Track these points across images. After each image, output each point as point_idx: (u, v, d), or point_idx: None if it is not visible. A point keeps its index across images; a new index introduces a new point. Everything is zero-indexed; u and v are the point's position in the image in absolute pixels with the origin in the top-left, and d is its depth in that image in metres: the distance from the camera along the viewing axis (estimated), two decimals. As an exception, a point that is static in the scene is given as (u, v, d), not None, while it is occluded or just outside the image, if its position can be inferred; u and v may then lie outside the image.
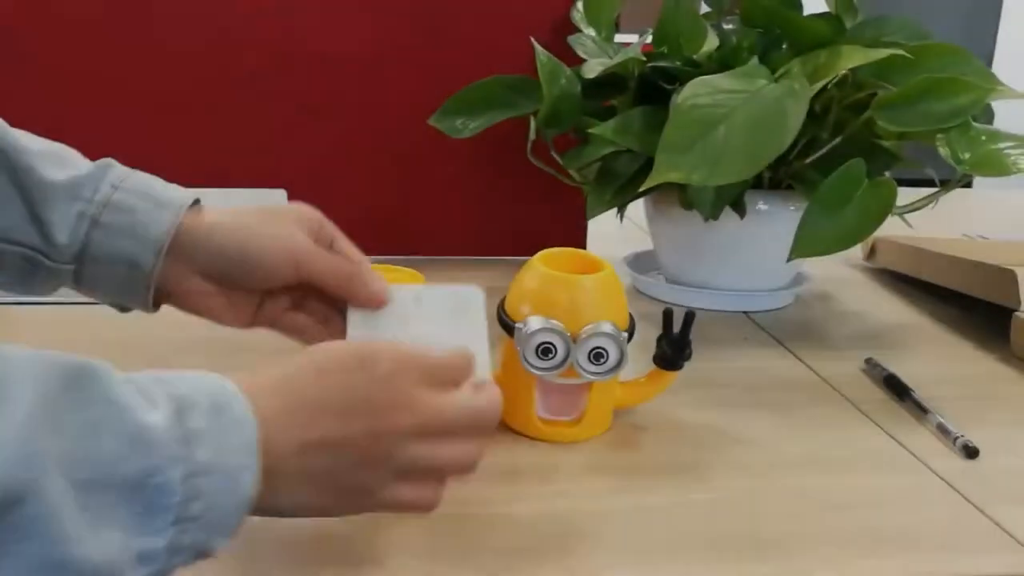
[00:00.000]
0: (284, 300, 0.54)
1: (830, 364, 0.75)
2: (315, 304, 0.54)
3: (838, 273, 1.02)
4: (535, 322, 0.55)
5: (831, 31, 0.76)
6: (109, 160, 0.51)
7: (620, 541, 0.48)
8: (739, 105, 0.64)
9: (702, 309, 0.87)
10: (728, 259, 0.87)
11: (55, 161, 0.50)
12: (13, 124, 0.52)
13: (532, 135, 0.84)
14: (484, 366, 0.46)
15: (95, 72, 0.91)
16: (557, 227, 1.04)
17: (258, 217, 0.51)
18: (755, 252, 0.86)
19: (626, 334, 0.57)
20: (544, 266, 0.58)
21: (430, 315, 0.51)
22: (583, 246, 1.08)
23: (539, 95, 0.84)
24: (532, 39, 0.88)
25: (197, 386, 0.35)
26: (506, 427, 0.59)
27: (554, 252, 0.60)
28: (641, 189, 0.64)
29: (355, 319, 0.51)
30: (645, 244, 1.01)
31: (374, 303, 0.51)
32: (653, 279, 0.94)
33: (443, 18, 0.95)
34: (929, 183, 0.82)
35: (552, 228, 1.03)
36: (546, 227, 1.03)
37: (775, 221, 0.85)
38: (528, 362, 0.56)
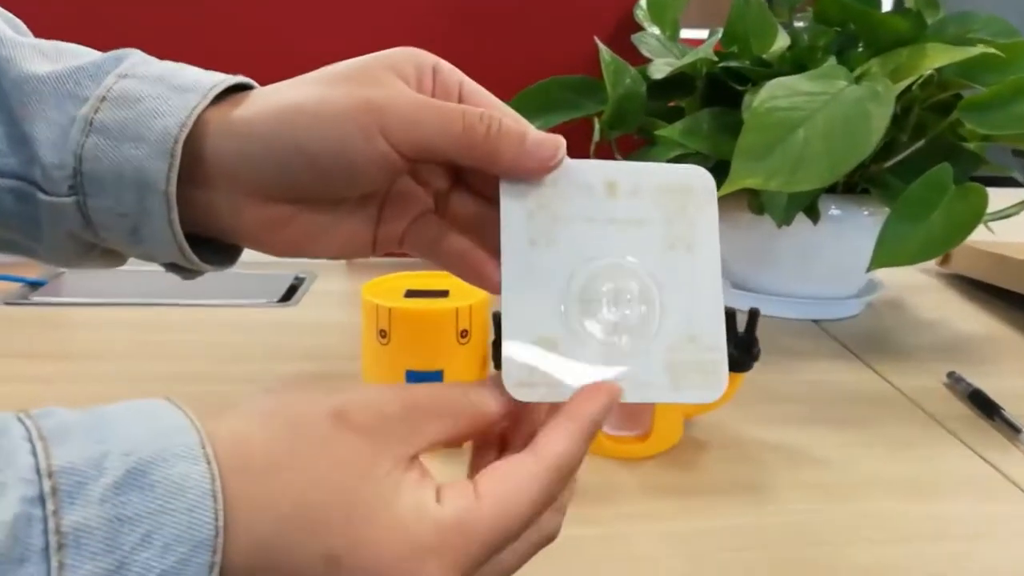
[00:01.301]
0: (412, 201, 0.36)
1: (909, 377, 0.71)
2: (466, 198, 0.36)
3: (911, 279, 0.98)
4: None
5: (912, 28, 0.72)
6: (131, 49, 0.35)
7: (682, 568, 0.46)
8: (819, 108, 0.61)
9: (769, 316, 0.84)
10: (798, 265, 0.84)
11: (47, 52, 0.34)
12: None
13: (596, 137, 0.82)
14: (718, 341, 0.33)
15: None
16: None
17: (321, 87, 0.32)
18: (827, 258, 0.83)
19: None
20: None
21: (630, 215, 0.34)
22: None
23: (603, 96, 0.81)
24: (596, 38, 0.86)
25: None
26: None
27: None
28: (719, 195, 0.61)
29: (510, 224, 0.32)
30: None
31: (531, 171, 0.32)
32: (718, 285, 0.91)
33: (503, 18, 0.94)
34: (1005, 182, 0.77)
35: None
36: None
37: (849, 227, 0.81)
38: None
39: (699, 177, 0.36)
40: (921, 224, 0.62)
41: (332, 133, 0.31)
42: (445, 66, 0.34)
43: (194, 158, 0.32)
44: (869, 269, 0.66)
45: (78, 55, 0.35)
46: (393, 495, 0.27)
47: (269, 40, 0.93)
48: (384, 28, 0.94)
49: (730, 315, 0.55)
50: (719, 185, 0.64)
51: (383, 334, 0.55)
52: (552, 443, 0.30)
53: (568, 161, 0.33)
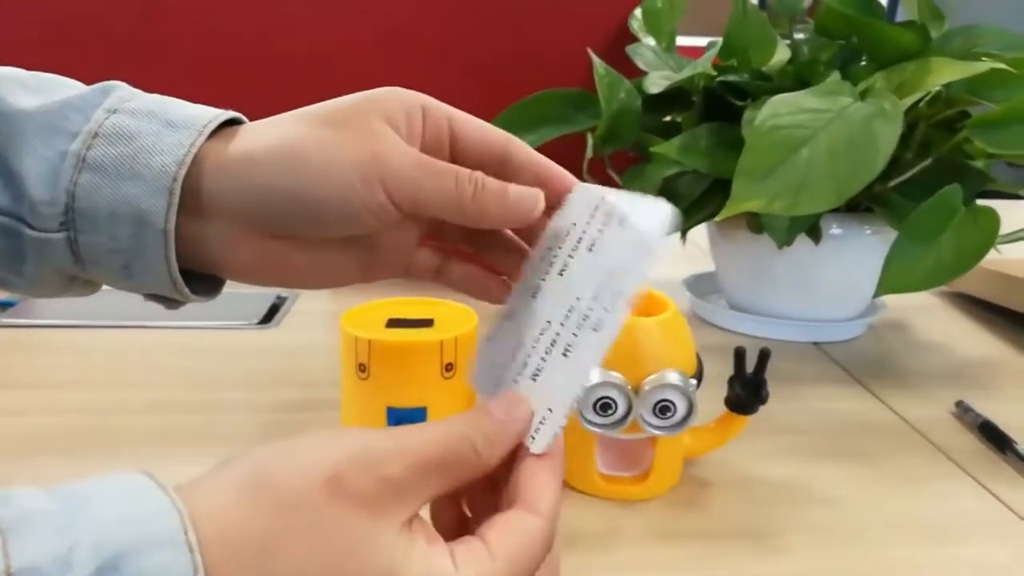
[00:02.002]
0: (406, 234, 0.36)
1: (915, 406, 0.68)
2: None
3: (914, 299, 0.95)
4: (593, 375, 0.50)
5: (917, 42, 0.69)
6: (115, 82, 0.34)
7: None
8: (824, 126, 0.58)
9: (768, 339, 0.82)
10: (798, 286, 0.81)
11: (29, 85, 0.34)
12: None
13: (589, 152, 0.79)
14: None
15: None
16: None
17: (319, 130, 0.32)
18: (828, 279, 0.80)
19: (694, 382, 0.51)
20: None
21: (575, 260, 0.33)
22: (639, 268, 1.02)
23: (597, 110, 0.79)
24: (589, 50, 0.83)
25: None
26: (565, 484, 0.54)
27: None
28: (717, 219, 0.59)
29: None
30: (705, 264, 0.95)
31: (514, 225, 0.33)
32: (715, 305, 0.88)
33: (493, 28, 0.91)
34: (999, 195, 0.75)
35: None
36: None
37: (851, 246, 0.78)
38: (585, 419, 0.50)
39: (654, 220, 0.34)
40: (930, 248, 0.60)
41: (333, 179, 0.31)
42: (432, 104, 0.35)
43: (188, 194, 0.32)
44: (876, 295, 0.63)
45: (61, 87, 0.34)
46: (405, 566, 0.25)
47: (259, 44, 0.90)
48: (376, 39, 0.91)
49: (739, 354, 0.52)
50: (720, 206, 0.62)
51: (362, 368, 0.52)
52: (546, 497, 0.30)
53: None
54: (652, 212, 0.34)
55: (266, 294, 0.88)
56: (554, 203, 0.34)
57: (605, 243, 0.33)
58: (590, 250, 0.33)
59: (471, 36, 0.91)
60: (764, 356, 0.51)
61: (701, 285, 0.93)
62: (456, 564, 0.26)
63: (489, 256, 0.37)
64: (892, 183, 0.70)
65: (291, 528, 0.24)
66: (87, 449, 0.56)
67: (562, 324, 0.32)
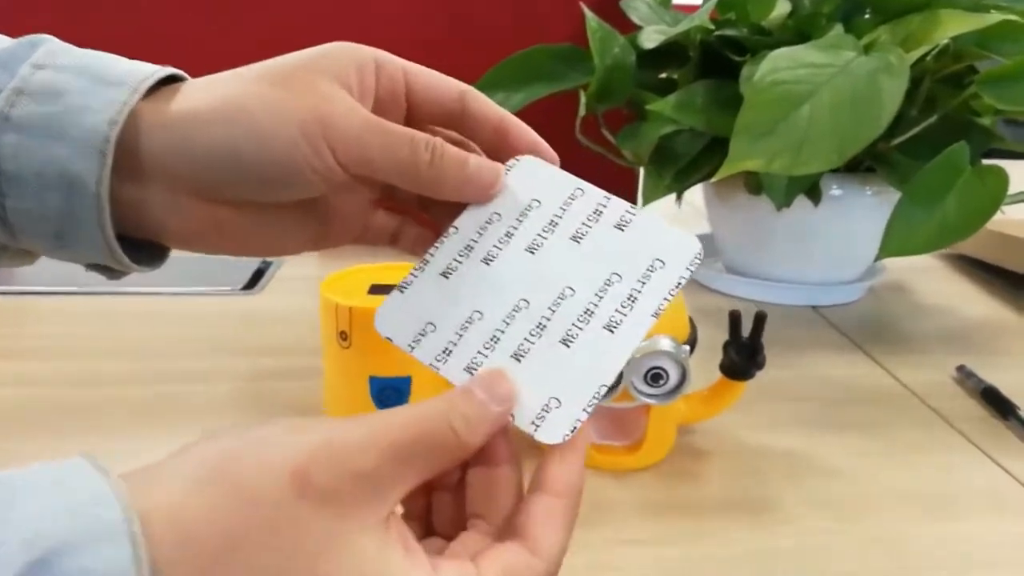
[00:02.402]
0: (358, 197, 0.34)
1: (916, 371, 0.66)
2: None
3: (915, 261, 0.92)
4: (609, 374, 0.47)
5: (925, -7, 0.66)
6: (46, 35, 0.31)
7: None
8: (826, 81, 0.56)
9: (765, 303, 0.80)
10: (796, 249, 0.79)
11: None
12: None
13: (582, 111, 0.76)
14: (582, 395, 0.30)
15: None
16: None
17: (264, 86, 0.30)
18: (827, 241, 0.78)
19: (687, 348, 0.49)
20: None
21: (585, 255, 0.32)
22: (633, 230, 1.00)
23: (589, 66, 0.76)
24: (581, 3, 0.80)
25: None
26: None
27: None
28: (714, 179, 0.56)
29: (446, 248, 0.32)
30: (701, 227, 0.93)
31: (472, 198, 0.31)
32: (712, 269, 0.86)
33: (482, -19, 0.87)
34: (1001, 155, 0.72)
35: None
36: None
37: (851, 207, 0.76)
38: (579, 386, 0.48)
39: (684, 247, 0.34)
40: (935, 209, 0.57)
41: (277, 139, 0.29)
42: (386, 59, 0.33)
43: (125, 155, 0.30)
44: (878, 258, 0.61)
45: None
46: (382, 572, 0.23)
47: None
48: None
49: (734, 317, 0.50)
50: (717, 166, 0.59)
51: (344, 336, 0.50)
52: (554, 540, 0.27)
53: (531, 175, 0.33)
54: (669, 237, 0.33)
55: (251, 260, 0.86)
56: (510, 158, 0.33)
57: (601, 240, 0.32)
58: (576, 241, 0.32)
59: (459, -10, 0.87)
60: (760, 320, 0.49)
61: (697, 248, 0.91)
62: None
63: (445, 222, 0.34)
64: (895, 141, 0.67)
65: (253, 527, 0.22)
66: (62, 425, 0.54)
67: (551, 310, 0.31)
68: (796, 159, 0.54)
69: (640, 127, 0.74)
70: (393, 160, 0.30)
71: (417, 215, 0.36)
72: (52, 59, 0.30)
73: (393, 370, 0.50)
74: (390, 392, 0.50)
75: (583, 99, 0.76)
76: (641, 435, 0.51)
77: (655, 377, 0.48)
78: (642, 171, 0.80)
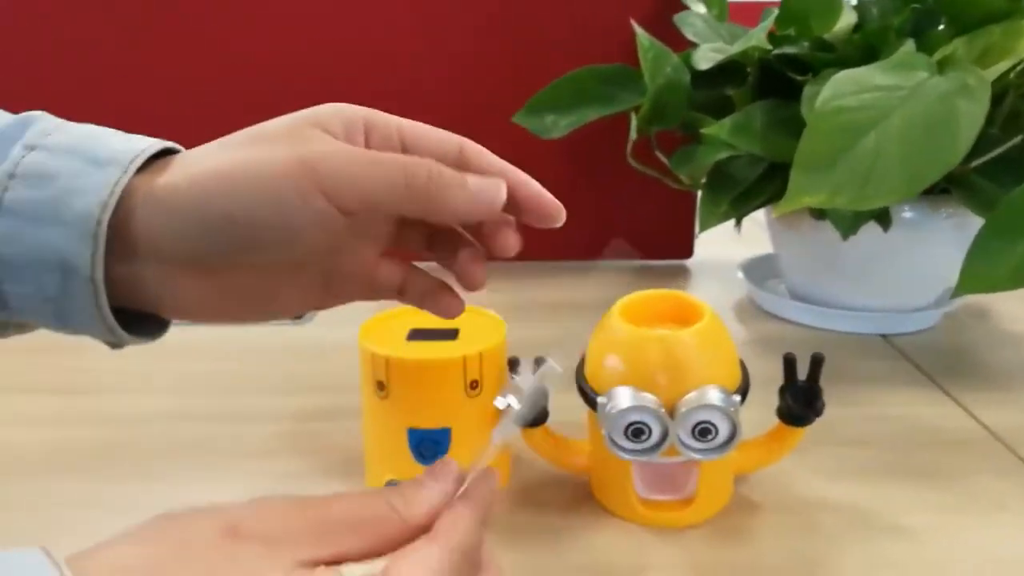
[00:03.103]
0: (362, 247, 0.34)
1: (998, 411, 0.61)
2: (417, 231, 0.35)
3: (995, 283, 0.87)
4: (622, 397, 0.45)
5: (1005, 1, 0.61)
6: (37, 113, 0.31)
7: None
8: (896, 107, 0.51)
9: (831, 331, 0.75)
10: (865, 275, 0.74)
11: None
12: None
13: (633, 134, 0.73)
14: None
15: (147, 63, 0.85)
16: (662, 234, 0.93)
17: (248, 149, 0.30)
18: (898, 267, 0.73)
19: (738, 398, 0.46)
20: (626, 320, 0.47)
21: None
22: (691, 253, 0.96)
23: (640, 87, 0.73)
24: (632, 20, 0.77)
25: None
26: (603, 508, 0.50)
27: (638, 298, 0.49)
28: (775, 214, 0.53)
29: None
30: (763, 246, 0.89)
31: (478, 216, 0.32)
32: (774, 293, 0.81)
33: (528, 1, 0.85)
34: None
35: (657, 235, 0.93)
36: (650, 234, 0.93)
37: (924, 231, 0.71)
38: (616, 444, 0.45)
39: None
40: (1020, 241, 0.52)
41: (265, 196, 0.29)
42: (379, 118, 0.32)
43: (119, 234, 0.30)
44: (955, 295, 0.56)
45: None
46: None
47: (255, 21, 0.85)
48: (391, 15, 0.85)
49: (789, 362, 0.47)
50: (777, 192, 0.56)
51: (381, 386, 0.48)
52: (450, 526, 0.29)
53: None
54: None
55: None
56: (514, 209, 0.33)
57: None
58: None
59: (506, 11, 0.85)
60: (817, 362, 0.46)
61: (759, 270, 0.87)
62: None
63: (452, 262, 0.35)
64: (975, 163, 0.62)
65: (181, 555, 0.24)
66: (101, 467, 0.54)
67: None
68: (861, 193, 0.50)
69: (695, 150, 0.70)
70: (390, 188, 0.29)
71: (423, 257, 0.36)
72: (43, 139, 0.30)
73: (432, 422, 0.48)
74: (429, 444, 0.48)
75: (634, 122, 0.73)
76: (693, 489, 0.48)
77: (703, 432, 0.45)
78: (699, 193, 0.77)
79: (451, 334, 0.50)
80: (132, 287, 0.31)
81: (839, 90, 0.52)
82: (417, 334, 0.50)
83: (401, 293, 0.37)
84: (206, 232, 0.29)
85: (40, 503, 0.50)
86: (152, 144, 0.31)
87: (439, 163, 0.30)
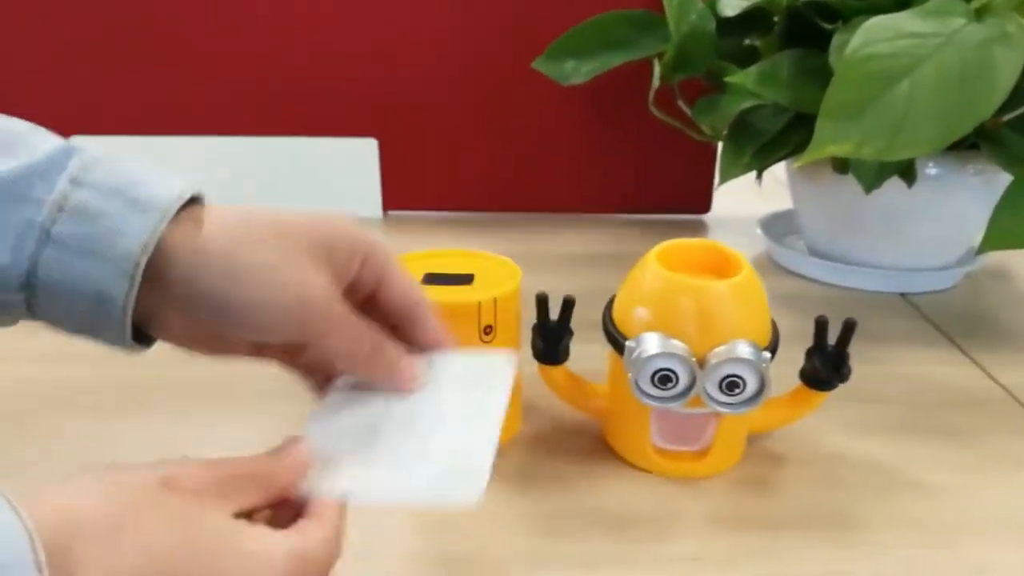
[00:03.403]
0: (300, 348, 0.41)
1: (1018, 372, 0.61)
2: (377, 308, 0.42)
3: (1018, 244, 0.85)
4: (652, 343, 0.44)
5: (1046, -52, 0.59)
6: (76, 141, 0.36)
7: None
8: (930, 54, 0.50)
9: (851, 288, 0.74)
10: (887, 232, 0.73)
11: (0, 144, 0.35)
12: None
13: (656, 82, 0.71)
14: (483, 456, 0.35)
15: (172, 27, 0.84)
16: (679, 186, 0.91)
17: (262, 244, 0.36)
18: (921, 225, 0.72)
19: (768, 355, 0.45)
20: (663, 266, 0.46)
21: (441, 383, 0.40)
22: (708, 208, 0.95)
23: (664, 34, 0.71)
24: (658, -35, 0.74)
25: None
26: (617, 456, 0.49)
27: (676, 245, 0.48)
28: (797, 164, 0.51)
29: (345, 381, 0.41)
30: (783, 202, 0.87)
31: (399, 387, 0.39)
32: (794, 249, 0.80)
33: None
34: None
35: (674, 187, 0.91)
36: (667, 186, 0.91)
37: (949, 188, 0.70)
38: (642, 390, 0.45)
39: (503, 364, 0.41)
40: (1050, 198, 0.51)
41: (261, 307, 0.35)
42: (378, 253, 0.38)
43: (147, 274, 0.34)
44: (980, 251, 0.55)
45: (30, 149, 0.35)
46: (236, 534, 0.30)
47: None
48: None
49: (820, 325, 0.46)
50: (802, 144, 0.54)
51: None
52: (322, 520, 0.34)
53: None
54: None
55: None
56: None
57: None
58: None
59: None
60: (848, 328, 0.45)
61: (778, 226, 0.85)
62: (276, 539, 0.31)
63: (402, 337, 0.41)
64: (1007, 117, 0.61)
65: (132, 506, 0.28)
66: (104, 403, 0.54)
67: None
68: (890, 144, 0.48)
69: (719, 100, 0.69)
70: (341, 349, 0.37)
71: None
72: (86, 176, 0.34)
73: None
74: None
75: (657, 69, 0.71)
76: (709, 441, 0.48)
77: (731, 385, 0.44)
78: (720, 145, 0.75)
79: (466, 279, 0.49)
80: (146, 316, 0.36)
81: (871, 36, 0.50)
82: (432, 278, 0.49)
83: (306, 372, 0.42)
84: (207, 301, 0.35)
85: (44, 439, 0.50)
86: (183, 191, 0.35)
87: (385, 341, 0.38)
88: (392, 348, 0.39)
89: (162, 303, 0.36)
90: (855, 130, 0.49)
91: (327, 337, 0.37)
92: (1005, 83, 0.49)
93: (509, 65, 0.83)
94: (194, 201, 0.36)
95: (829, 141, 0.50)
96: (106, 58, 0.84)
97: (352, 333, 0.37)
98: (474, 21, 0.84)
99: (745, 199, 0.89)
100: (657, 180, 0.90)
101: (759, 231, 0.84)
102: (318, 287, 0.36)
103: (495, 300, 0.47)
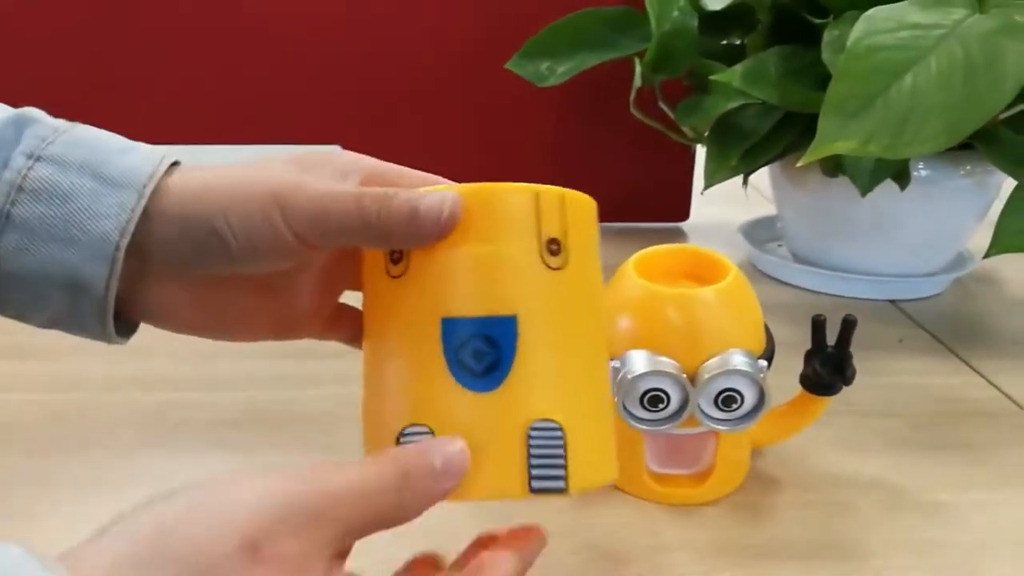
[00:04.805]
0: (321, 284, 0.34)
1: (1017, 378, 0.58)
2: None
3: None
4: (638, 361, 0.40)
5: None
6: (30, 111, 0.31)
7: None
8: (934, 46, 0.47)
9: (837, 296, 0.72)
10: (876, 237, 0.70)
11: None
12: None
13: (637, 82, 0.68)
14: None
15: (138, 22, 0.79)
16: (657, 193, 0.88)
17: (233, 172, 0.31)
18: (911, 229, 0.70)
19: (764, 364, 0.41)
20: (642, 276, 0.43)
21: None
22: (687, 215, 0.92)
23: (645, 32, 0.68)
24: (636, -40, 0.72)
25: None
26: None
27: (654, 253, 0.45)
28: (801, 163, 0.48)
29: None
30: (761, 209, 0.85)
31: (423, 241, 0.29)
32: (776, 255, 0.77)
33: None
34: None
35: (651, 195, 0.88)
36: (645, 192, 0.88)
37: (940, 191, 0.68)
38: (630, 414, 0.41)
39: None
40: (1059, 198, 0.49)
41: (241, 215, 0.30)
42: (373, 167, 0.32)
43: (126, 255, 0.30)
44: (987, 255, 0.52)
45: None
46: None
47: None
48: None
49: (818, 324, 0.43)
50: (790, 146, 0.51)
51: (395, 257, 0.30)
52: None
53: None
54: None
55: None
56: None
57: None
58: None
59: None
60: (848, 326, 0.42)
61: (759, 232, 0.83)
62: None
63: None
64: (1004, 115, 0.58)
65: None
66: (57, 437, 0.49)
67: None
68: (897, 140, 0.46)
69: (702, 100, 0.66)
70: (342, 220, 0.29)
71: None
72: (44, 148, 0.30)
73: (483, 304, 0.28)
74: (478, 344, 0.28)
75: (638, 69, 0.68)
76: (709, 463, 0.44)
77: (727, 400, 0.41)
78: (699, 149, 0.72)
79: None
80: (129, 303, 0.32)
81: (873, 27, 0.48)
82: None
83: (354, 340, 0.35)
84: (190, 239, 0.30)
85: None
86: (160, 164, 0.31)
87: (395, 192, 0.29)
88: (408, 198, 0.29)
89: (148, 279, 0.31)
90: (859, 127, 0.46)
91: (320, 216, 0.29)
92: (1015, 75, 0.46)
93: (481, 66, 0.79)
94: (173, 165, 0.32)
95: (834, 138, 0.47)
96: (76, 67, 0.79)
97: (349, 197, 0.29)
98: (445, 21, 0.80)
99: (722, 206, 0.86)
100: (633, 187, 0.87)
101: (741, 237, 0.81)
102: (292, 176, 0.30)
103: (563, 198, 0.30)
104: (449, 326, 0.28)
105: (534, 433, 0.28)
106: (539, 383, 0.28)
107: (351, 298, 0.35)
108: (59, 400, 0.52)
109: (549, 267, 0.29)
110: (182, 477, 0.25)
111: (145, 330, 0.34)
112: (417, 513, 0.27)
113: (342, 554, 0.26)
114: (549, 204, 0.29)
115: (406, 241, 0.29)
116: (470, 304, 0.28)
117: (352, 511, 0.25)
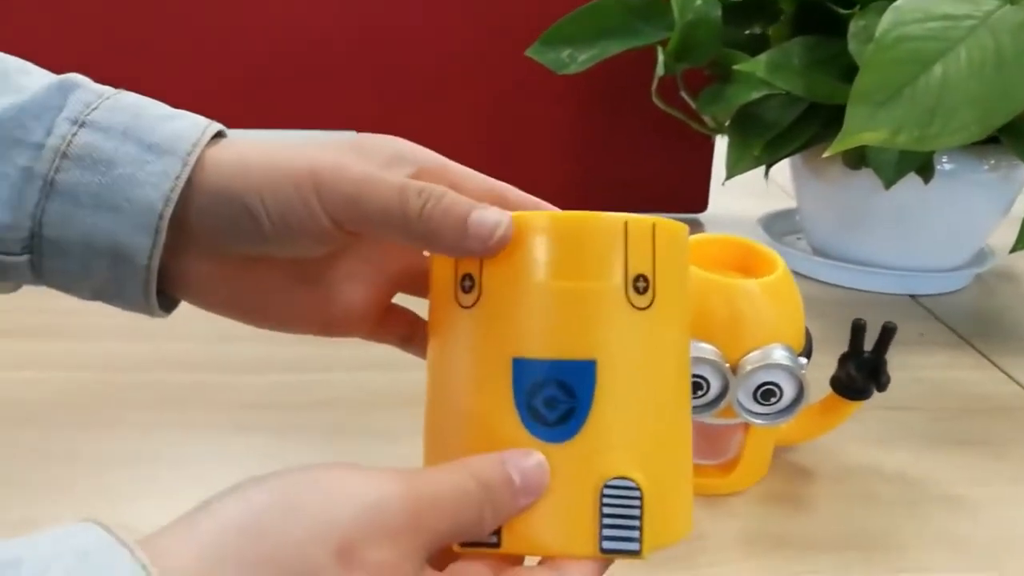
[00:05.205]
0: (367, 282, 0.32)
1: (1045, 377, 0.58)
2: None
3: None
4: None
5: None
6: (75, 76, 0.31)
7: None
8: (964, 37, 0.47)
9: (857, 290, 0.71)
10: (897, 230, 0.70)
11: None
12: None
13: (660, 71, 0.67)
14: None
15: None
16: (676, 181, 0.88)
17: (272, 152, 0.30)
18: (933, 223, 0.69)
19: (804, 361, 0.41)
20: (692, 263, 0.42)
21: None
22: (705, 206, 0.91)
23: (668, 20, 0.67)
24: (659, -52, 0.71)
25: None
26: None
27: (705, 240, 0.45)
28: (827, 154, 0.48)
29: None
30: (783, 201, 0.84)
31: (471, 253, 0.27)
32: (795, 249, 0.77)
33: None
34: None
35: (670, 182, 0.88)
36: (664, 181, 0.88)
37: (963, 184, 0.67)
38: (668, 400, 0.41)
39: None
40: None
41: (276, 194, 0.29)
42: (429, 158, 0.31)
43: (169, 225, 0.30)
44: (1014, 250, 0.52)
45: (22, 86, 0.30)
46: None
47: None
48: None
49: (857, 328, 0.42)
50: (813, 137, 0.51)
51: (467, 284, 0.28)
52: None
53: None
54: None
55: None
56: None
57: None
58: None
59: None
60: (887, 333, 0.41)
61: (778, 224, 0.82)
62: None
63: None
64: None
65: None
66: (89, 416, 0.49)
67: None
68: (926, 131, 0.45)
69: (725, 90, 0.65)
70: (381, 210, 0.28)
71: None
72: (89, 113, 0.29)
73: (560, 347, 0.26)
74: (553, 390, 0.26)
75: (660, 58, 0.67)
76: (736, 454, 0.44)
77: (766, 394, 0.41)
78: (719, 139, 0.72)
79: None
80: (169, 277, 0.31)
81: (902, 17, 0.47)
82: None
83: (406, 343, 0.34)
84: (223, 216, 0.29)
85: (15, 452, 0.45)
86: (205, 132, 0.30)
87: (446, 191, 0.28)
88: (459, 199, 0.27)
89: (189, 253, 0.30)
90: (888, 118, 0.46)
91: (357, 202, 0.28)
92: (1047, 68, 0.46)
93: (502, 53, 0.79)
94: (218, 136, 0.31)
95: (862, 128, 0.46)
96: (84, 54, 0.79)
97: (388, 186, 0.28)
98: (465, 6, 0.80)
99: (739, 199, 0.86)
100: (652, 177, 0.87)
101: (760, 230, 0.80)
102: (330, 156, 0.29)
103: (654, 228, 0.28)
104: (521, 367, 0.26)
105: (609, 491, 0.26)
106: (617, 436, 0.26)
107: (404, 300, 0.34)
108: (84, 378, 0.53)
109: (634, 307, 0.27)
110: (206, 458, 0.25)
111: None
112: (492, 528, 0.26)
113: (428, 563, 0.25)
114: (638, 236, 0.27)
115: (448, 250, 0.28)
116: (545, 345, 0.26)
117: (442, 521, 0.24)
